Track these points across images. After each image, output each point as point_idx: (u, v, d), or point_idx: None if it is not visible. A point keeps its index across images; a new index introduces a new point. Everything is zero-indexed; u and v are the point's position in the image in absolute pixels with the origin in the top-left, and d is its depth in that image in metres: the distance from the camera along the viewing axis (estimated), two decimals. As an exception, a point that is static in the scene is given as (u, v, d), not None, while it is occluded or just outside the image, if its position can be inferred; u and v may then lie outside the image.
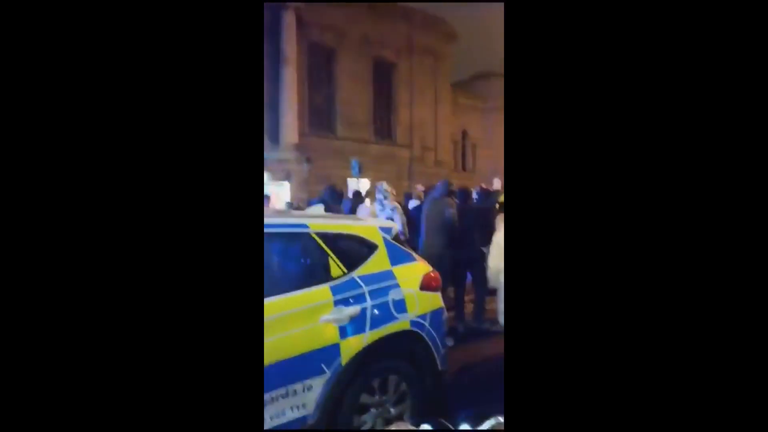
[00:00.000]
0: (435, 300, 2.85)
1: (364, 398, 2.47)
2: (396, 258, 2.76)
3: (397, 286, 2.64)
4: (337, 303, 2.36)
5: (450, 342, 4.45)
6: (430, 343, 2.74)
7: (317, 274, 2.43)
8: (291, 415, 2.14)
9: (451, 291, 6.09)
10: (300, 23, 15.30)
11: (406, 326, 2.60)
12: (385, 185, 5.21)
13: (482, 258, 4.07)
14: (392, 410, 2.59)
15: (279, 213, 3.49)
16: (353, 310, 2.39)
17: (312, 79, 16.41)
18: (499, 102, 23.88)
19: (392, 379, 2.59)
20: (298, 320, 2.20)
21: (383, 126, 18.92)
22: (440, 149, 20.90)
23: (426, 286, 2.81)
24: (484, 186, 6.98)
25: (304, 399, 2.19)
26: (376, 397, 2.52)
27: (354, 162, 12.93)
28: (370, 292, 2.50)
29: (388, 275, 2.65)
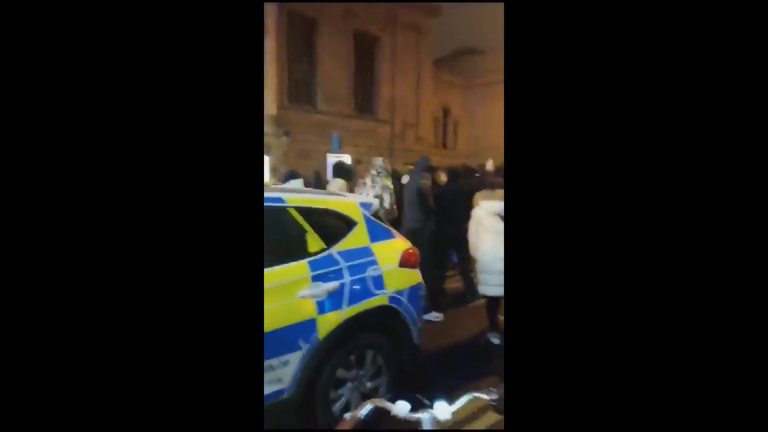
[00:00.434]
0: (413, 276, 2.86)
1: (341, 372, 2.49)
2: (375, 234, 2.74)
3: (375, 262, 2.63)
4: (314, 278, 2.35)
5: (440, 317, 4.54)
6: (408, 319, 2.76)
7: (295, 250, 2.40)
8: (267, 389, 2.15)
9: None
10: (280, -9, 14.79)
11: (384, 302, 2.61)
12: (380, 161, 5.15)
13: (466, 235, 4.14)
14: (368, 384, 2.62)
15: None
16: (331, 285, 2.38)
17: (292, 51, 15.97)
18: (481, 79, 23.78)
19: (369, 353, 2.61)
20: (275, 295, 2.18)
21: (364, 101, 18.63)
22: (421, 126, 20.77)
23: (405, 262, 2.81)
24: (467, 164, 7.00)
25: (280, 374, 2.19)
26: (353, 372, 2.55)
27: (335, 136, 12.76)
28: (349, 268, 2.49)
29: (367, 251, 2.64)
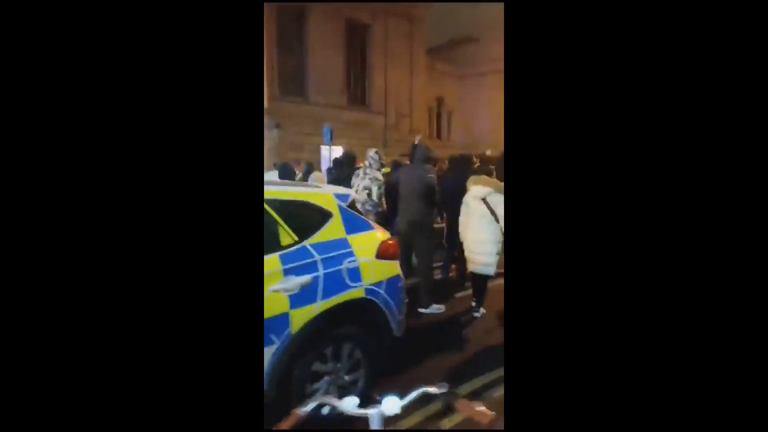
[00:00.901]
0: (391, 268, 2.82)
1: (317, 366, 2.46)
2: (352, 226, 2.70)
3: (351, 254, 2.59)
4: (287, 272, 2.30)
5: (441, 308, 4.52)
6: (386, 311, 2.73)
7: (266, 243, 2.35)
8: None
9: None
10: (269, -20, 14.58)
11: (361, 294, 2.58)
12: (373, 152, 5.07)
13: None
14: (346, 377, 2.59)
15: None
16: (304, 279, 2.34)
17: (282, 41, 15.78)
18: (476, 68, 23.62)
19: (346, 346, 2.58)
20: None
21: (357, 91, 18.50)
22: (415, 116, 20.66)
23: (382, 254, 2.77)
24: (462, 153, 7.04)
25: (252, 369, 2.15)
26: (329, 365, 2.51)
27: (326, 128, 12.64)
28: (323, 261, 2.45)
29: (343, 243, 2.60)
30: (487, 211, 4.00)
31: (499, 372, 3.15)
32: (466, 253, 4.27)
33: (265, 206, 2.37)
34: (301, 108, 16.07)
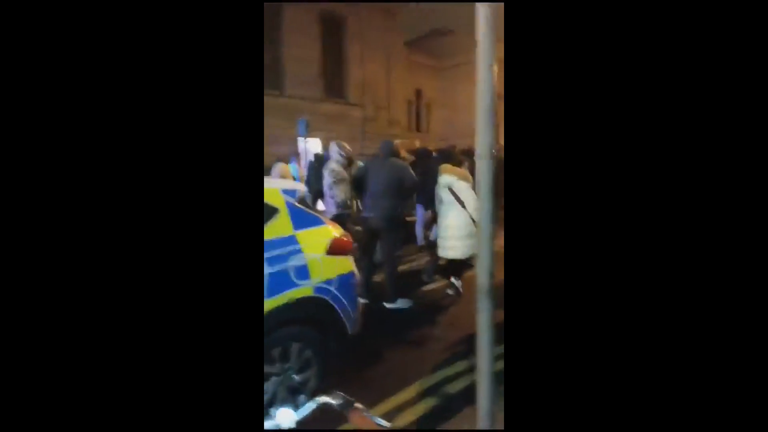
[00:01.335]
0: (344, 264, 2.76)
1: (265, 367, 2.38)
2: (300, 222, 2.62)
3: (299, 251, 2.51)
4: (227, 271, 2.21)
5: (408, 303, 4.47)
6: (338, 309, 2.66)
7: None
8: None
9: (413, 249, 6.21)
10: (241, -30, 14.23)
11: (309, 293, 2.51)
12: (336, 146, 4.95)
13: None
14: (296, 377, 2.53)
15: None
16: (245, 278, 2.25)
17: (257, 33, 15.49)
18: (454, 60, 23.56)
19: (295, 346, 2.50)
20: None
21: (334, 84, 18.29)
22: (394, 109, 20.55)
23: (334, 250, 2.70)
24: (436, 147, 7.05)
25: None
26: (277, 366, 2.44)
27: (301, 121, 12.44)
28: (268, 259, 2.37)
29: (290, 240, 2.52)
30: (453, 199, 4.30)
31: (459, 366, 3.12)
32: (438, 240, 4.50)
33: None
34: (277, 101, 15.82)
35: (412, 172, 4.38)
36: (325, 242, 2.68)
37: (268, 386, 2.42)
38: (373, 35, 19.01)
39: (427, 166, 5.52)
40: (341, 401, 0.99)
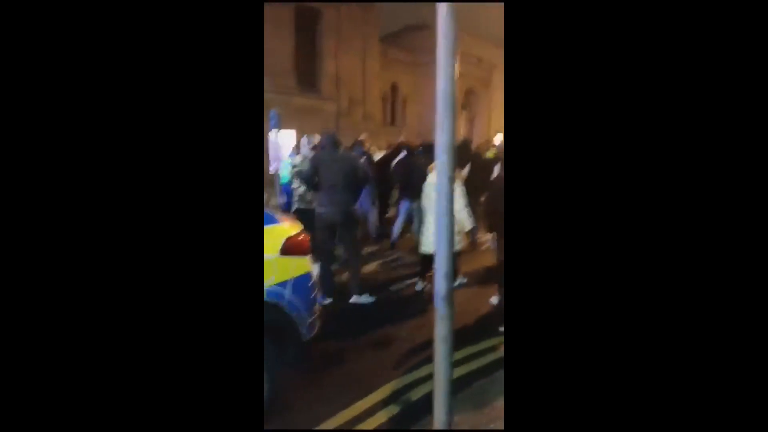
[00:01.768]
0: (300, 265, 2.58)
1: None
2: (251, 220, 2.43)
3: (249, 251, 2.33)
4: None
5: (371, 299, 4.34)
6: (292, 313, 2.49)
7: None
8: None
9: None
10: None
11: (259, 296, 2.32)
12: (305, 139, 4.84)
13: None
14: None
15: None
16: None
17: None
18: (430, 56, 23.48)
19: (244, 354, 2.32)
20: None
21: (308, 77, 17.96)
22: (368, 103, 20.33)
23: (289, 250, 2.53)
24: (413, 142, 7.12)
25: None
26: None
27: (272, 112, 12.10)
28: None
29: (239, 240, 2.33)
30: (434, 197, 4.29)
31: (421, 372, 2.98)
32: (422, 237, 4.52)
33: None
34: (248, 93, 15.45)
35: (362, 163, 4.29)
36: (279, 242, 2.50)
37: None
38: (349, 30, 18.75)
39: (410, 160, 5.74)
40: None
